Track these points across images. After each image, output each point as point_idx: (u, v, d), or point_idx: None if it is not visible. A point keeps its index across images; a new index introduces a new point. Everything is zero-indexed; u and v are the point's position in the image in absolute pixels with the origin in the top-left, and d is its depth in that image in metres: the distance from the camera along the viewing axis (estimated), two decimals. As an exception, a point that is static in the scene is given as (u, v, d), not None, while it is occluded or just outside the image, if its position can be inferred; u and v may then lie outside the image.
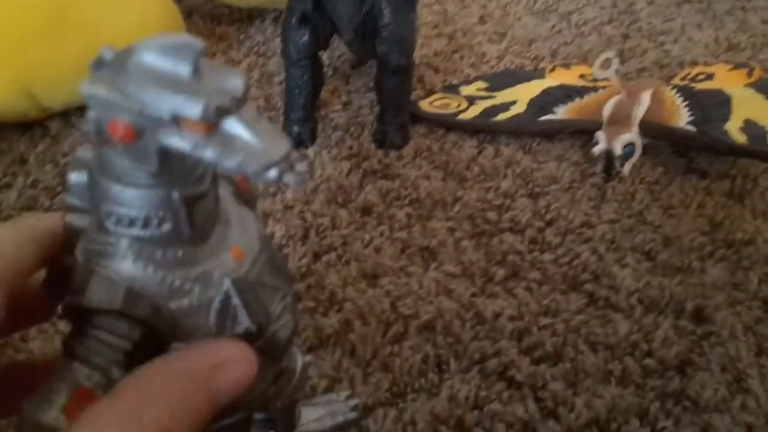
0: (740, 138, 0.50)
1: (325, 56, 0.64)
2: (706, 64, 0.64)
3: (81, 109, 0.59)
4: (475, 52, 0.69)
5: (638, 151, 0.54)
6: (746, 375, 0.41)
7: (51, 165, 0.55)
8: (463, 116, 0.58)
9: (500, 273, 0.47)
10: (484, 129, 0.57)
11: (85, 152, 0.20)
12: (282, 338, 0.24)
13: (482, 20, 0.74)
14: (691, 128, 0.52)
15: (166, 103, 0.16)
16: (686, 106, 0.55)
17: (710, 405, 0.39)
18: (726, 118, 0.52)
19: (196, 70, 0.17)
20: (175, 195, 0.19)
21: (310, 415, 0.36)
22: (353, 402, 0.38)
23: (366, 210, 0.51)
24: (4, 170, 0.55)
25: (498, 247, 0.49)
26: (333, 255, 0.48)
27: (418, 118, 0.59)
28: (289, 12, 0.53)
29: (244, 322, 0.22)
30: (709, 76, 0.59)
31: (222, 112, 0.16)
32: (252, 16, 0.75)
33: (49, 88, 0.55)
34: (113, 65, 0.17)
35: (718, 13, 0.76)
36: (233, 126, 0.16)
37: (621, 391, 0.40)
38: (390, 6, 0.51)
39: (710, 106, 0.54)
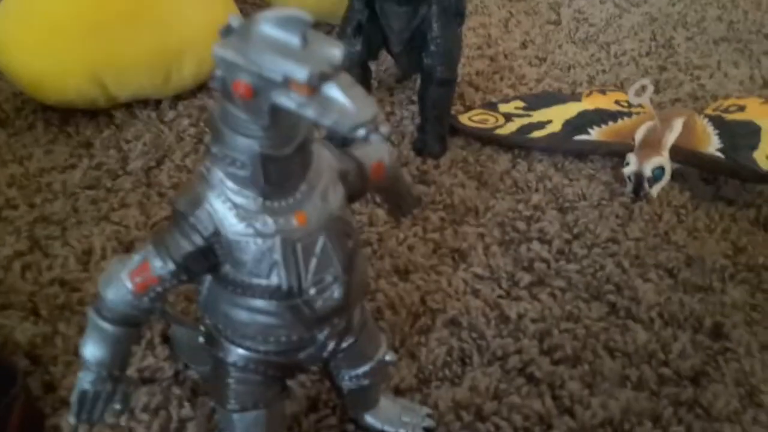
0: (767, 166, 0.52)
1: (372, 68, 0.67)
2: (739, 97, 0.66)
3: (145, 102, 0.64)
4: (515, 73, 0.72)
5: (667, 175, 0.56)
6: (759, 390, 0.42)
7: (114, 150, 0.59)
8: (500, 131, 0.61)
9: (526, 278, 0.49)
10: (519, 144, 0.60)
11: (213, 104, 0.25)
12: (318, 310, 0.27)
13: (524, 45, 0.77)
14: (720, 155, 0.55)
15: (279, 67, 0.20)
16: (717, 134, 0.57)
17: (722, 415, 0.41)
18: (755, 147, 0.54)
19: (305, 41, 0.20)
20: (257, 148, 0.23)
21: (387, 407, 0.38)
22: (428, 422, 0.39)
23: (402, 211, 0.54)
24: (71, 152, 0.59)
25: (525, 255, 0.51)
26: (368, 250, 0.51)
27: (457, 130, 0.62)
28: (345, 22, 0.57)
29: (275, 277, 0.25)
30: (741, 108, 0.61)
31: (323, 77, 0.20)
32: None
33: (119, 79, 0.59)
34: (239, 32, 0.21)
35: (755, 53, 0.78)
36: (332, 90, 0.20)
37: (636, 395, 0.42)
38: (439, 21, 0.55)
39: (740, 135, 0.56)
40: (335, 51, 0.20)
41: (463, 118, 0.63)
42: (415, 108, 0.64)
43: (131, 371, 0.40)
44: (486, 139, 0.61)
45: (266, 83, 0.21)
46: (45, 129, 0.62)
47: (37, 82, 0.59)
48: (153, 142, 0.60)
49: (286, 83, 0.20)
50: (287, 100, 0.21)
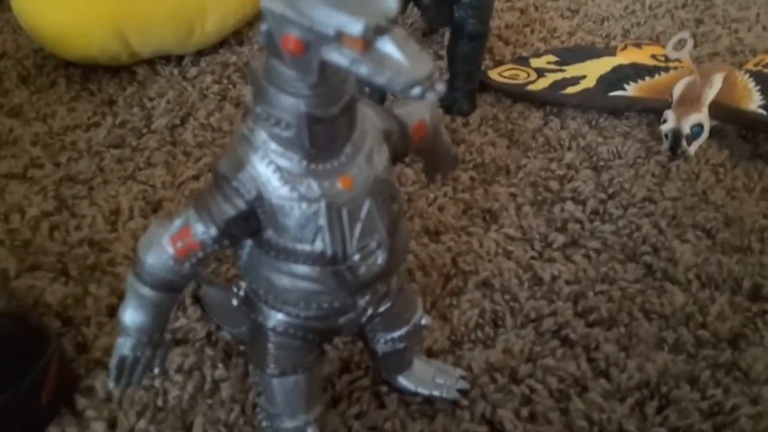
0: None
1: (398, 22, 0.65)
2: (781, 51, 0.63)
3: (167, 59, 0.62)
4: (547, 26, 0.70)
5: (706, 133, 0.54)
6: (800, 354, 0.41)
7: (138, 108, 0.58)
8: (531, 87, 0.59)
9: (560, 239, 0.48)
10: (552, 101, 0.58)
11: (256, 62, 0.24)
12: (361, 275, 0.26)
13: (555, -4, 0.75)
14: (762, 112, 0.52)
15: (332, 21, 0.19)
16: (758, 90, 0.55)
17: (761, 378, 0.40)
18: (799, 103, 0.52)
19: None
20: (302, 108, 0.21)
21: (420, 369, 0.38)
22: (462, 384, 0.38)
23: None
24: (94, 110, 0.58)
25: (559, 215, 0.50)
26: (398, 210, 0.50)
27: (486, 87, 0.60)
28: (371, -26, 0.55)
29: (320, 243, 0.25)
30: (785, 63, 0.58)
31: (379, 31, 0.18)
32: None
33: (141, 35, 0.58)
34: None
35: (797, 3, 0.75)
36: (386, 45, 0.19)
37: (673, 357, 0.41)
38: (472, -29, 0.52)
39: (784, 92, 0.54)
40: (389, 2, 0.19)
41: (493, 74, 0.61)
42: (443, 63, 0.63)
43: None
44: (517, 95, 0.59)
45: (317, 37, 0.19)
46: (67, 86, 0.61)
47: (59, 37, 0.57)
48: (176, 99, 0.59)
49: (339, 38, 0.19)
50: (339, 56, 0.19)
